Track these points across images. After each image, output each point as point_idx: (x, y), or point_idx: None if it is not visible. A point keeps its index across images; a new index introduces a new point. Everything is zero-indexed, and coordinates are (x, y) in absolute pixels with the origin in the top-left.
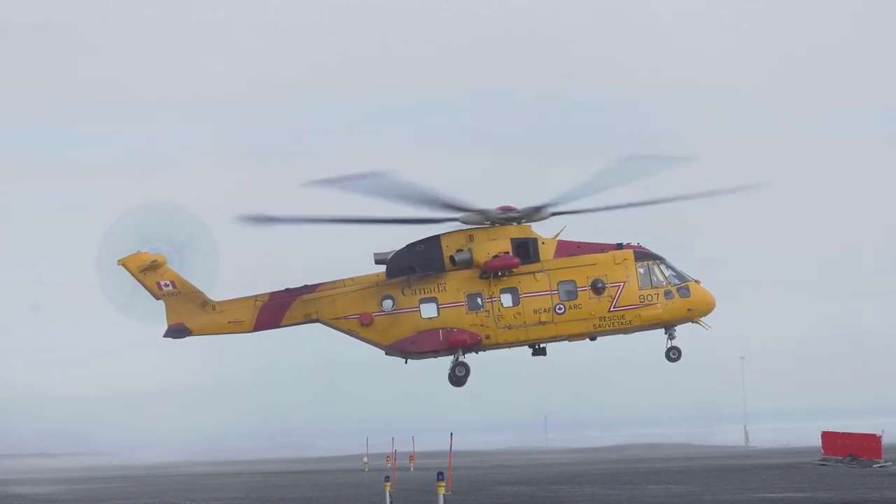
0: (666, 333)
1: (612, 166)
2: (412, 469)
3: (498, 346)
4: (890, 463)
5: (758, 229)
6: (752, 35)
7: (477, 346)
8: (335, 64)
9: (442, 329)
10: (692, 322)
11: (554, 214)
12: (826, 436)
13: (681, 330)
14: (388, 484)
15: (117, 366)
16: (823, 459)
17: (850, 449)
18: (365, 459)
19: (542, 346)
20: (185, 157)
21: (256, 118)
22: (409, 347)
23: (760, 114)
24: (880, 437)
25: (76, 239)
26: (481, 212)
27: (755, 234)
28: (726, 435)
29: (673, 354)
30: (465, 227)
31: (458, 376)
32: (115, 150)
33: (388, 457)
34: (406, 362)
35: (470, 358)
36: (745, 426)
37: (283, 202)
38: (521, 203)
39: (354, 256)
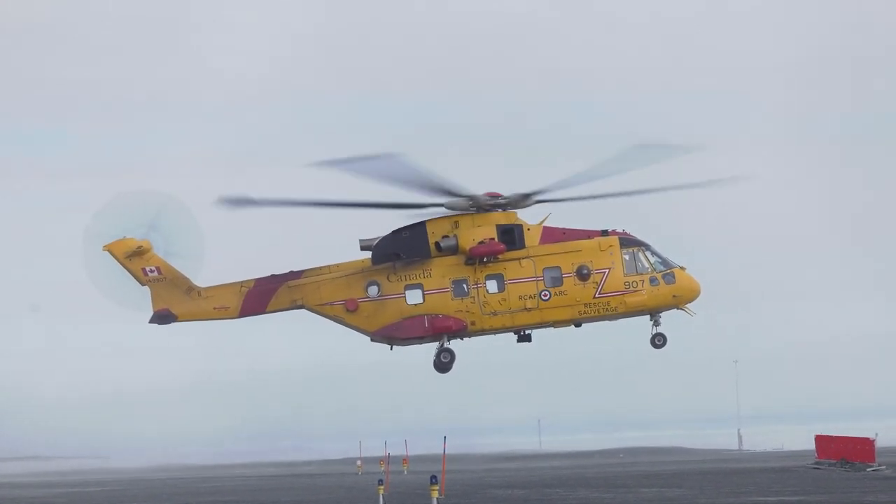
0: (651, 320)
1: (615, 155)
2: (406, 472)
3: (483, 332)
4: (883, 467)
5: (752, 233)
6: (743, 35)
7: (462, 332)
8: (324, 66)
9: (427, 315)
10: (677, 309)
11: (539, 202)
12: (819, 439)
13: (676, 332)
14: (382, 487)
15: (111, 369)
16: (817, 463)
17: (844, 452)
18: (359, 462)
19: (527, 332)
20: (179, 159)
21: (251, 120)
22: (394, 333)
23: (758, 115)
24: (874, 440)
25: (69, 241)
26: (467, 198)
27: (749, 238)
28: (720, 438)
29: (658, 341)
30: (450, 213)
31: (444, 362)
32: (106, 153)
33: (381, 460)
34: (391, 349)
35: (463, 356)
36: (738, 429)
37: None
38: (506, 190)
39: (340, 243)
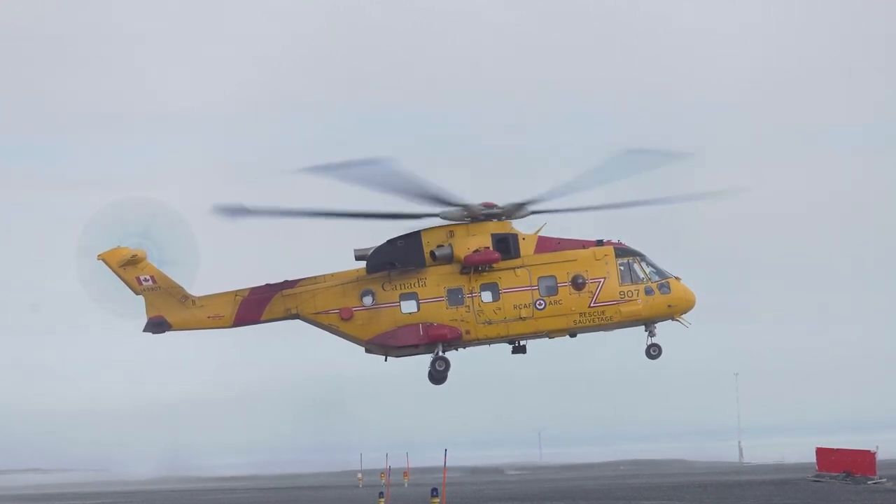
0: (646, 330)
1: (609, 161)
2: (406, 485)
3: (478, 341)
4: (884, 480)
5: (752, 244)
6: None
7: (457, 341)
8: (319, 76)
9: (422, 324)
10: (672, 319)
11: (535, 213)
12: (820, 452)
13: (676, 343)
14: (383, 500)
15: (109, 380)
16: (818, 476)
17: (845, 465)
18: (359, 475)
19: (522, 343)
20: (176, 168)
21: (249, 130)
22: (388, 342)
23: (758, 125)
24: (874, 453)
25: (64, 251)
26: (464, 207)
27: (749, 249)
28: (720, 451)
29: (653, 351)
30: (445, 222)
31: (438, 371)
32: (103, 163)
33: (382, 473)
34: (386, 359)
35: (464, 368)
36: (739, 442)
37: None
38: (502, 200)
39: (335, 252)
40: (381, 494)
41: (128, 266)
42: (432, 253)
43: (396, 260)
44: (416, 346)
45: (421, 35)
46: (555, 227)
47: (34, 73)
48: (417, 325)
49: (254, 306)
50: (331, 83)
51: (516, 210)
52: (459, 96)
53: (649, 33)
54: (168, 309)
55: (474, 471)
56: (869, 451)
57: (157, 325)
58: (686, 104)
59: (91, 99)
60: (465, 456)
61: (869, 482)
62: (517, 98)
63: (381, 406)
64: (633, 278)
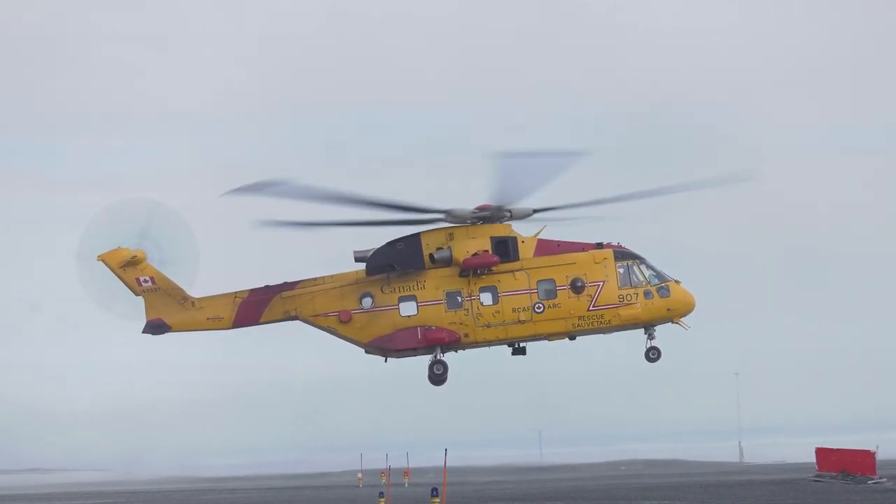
0: (646, 333)
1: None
2: (406, 485)
3: (477, 344)
4: (884, 479)
5: (753, 245)
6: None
7: (455, 344)
8: (320, 78)
9: (420, 327)
10: (672, 322)
11: (538, 210)
12: (820, 452)
13: (677, 344)
14: (383, 500)
15: (112, 382)
16: (818, 475)
17: (844, 465)
18: (360, 475)
19: (521, 345)
20: (175, 169)
21: (248, 130)
22: (387, 345)
23: (758, 124)
24: (874, 453)
25: (64, 252)
26: (462, 210)
27: (751, 251)
28: (721, 451)
29: (652, 354)
30: (447, 224)
31: (437, 374)
32: (102, 164)
33: (382, 472)
34: (386, 361)
35: (464, 368)
36: (739, 442)
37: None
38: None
39: (335, 254)
40: (381, 494)
41: (128, 267)
42: (431, 255)
43: (396, 262)
44: (415, 348)
45: (421, 35)
46: (555, 229)
47: (34, 73)
48: (416, 328)
49: (253, 308)
50: (330, 83)
51: (518, 212)
52: (460, 96)
53: (649, 33)
54: (167, 310)
55: (474, 471)
56: (869, 451)
57: (156, 327)
58: (686, 104)
59: (91, 99)
60: (466, 456)
61: (869, 482)
62: (517, 98)
63: (381, 406)
64: (633, 282)
